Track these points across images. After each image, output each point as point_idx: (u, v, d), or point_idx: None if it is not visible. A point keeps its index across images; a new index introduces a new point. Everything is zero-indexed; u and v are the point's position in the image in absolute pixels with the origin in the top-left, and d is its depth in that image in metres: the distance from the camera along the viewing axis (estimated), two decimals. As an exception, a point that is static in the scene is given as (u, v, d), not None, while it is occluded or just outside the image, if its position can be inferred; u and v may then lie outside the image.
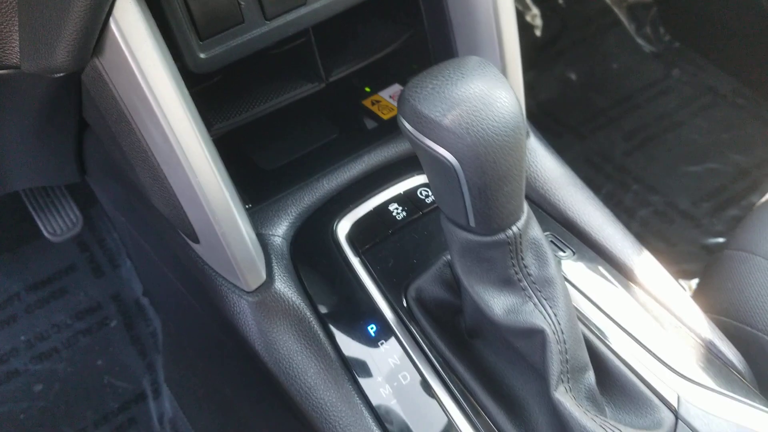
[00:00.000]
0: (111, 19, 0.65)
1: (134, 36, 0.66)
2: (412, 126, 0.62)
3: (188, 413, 1.40)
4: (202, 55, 0.75)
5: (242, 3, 0.75)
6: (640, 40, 2.04)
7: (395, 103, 0.99)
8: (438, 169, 0.64)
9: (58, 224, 1.55)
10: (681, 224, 1.69)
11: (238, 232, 0.78)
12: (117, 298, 1.64)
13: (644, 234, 1.65)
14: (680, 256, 1.62)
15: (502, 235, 0.66)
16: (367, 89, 1.02)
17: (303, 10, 0.80)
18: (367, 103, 1.00)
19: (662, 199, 1.74)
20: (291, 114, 0.97)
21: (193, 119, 0.72)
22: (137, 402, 1.51)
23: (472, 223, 0.66)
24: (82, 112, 0.87)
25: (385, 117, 0.98)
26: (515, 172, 0.64)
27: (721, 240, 1.63)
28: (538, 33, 2.04)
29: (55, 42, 0.65)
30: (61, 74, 0.69)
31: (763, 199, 1.03)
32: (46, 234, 1.54)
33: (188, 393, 1.40)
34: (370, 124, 0.98)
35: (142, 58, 0.67)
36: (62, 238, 1.54)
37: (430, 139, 0.61)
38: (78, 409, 1.51)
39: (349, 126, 0.98)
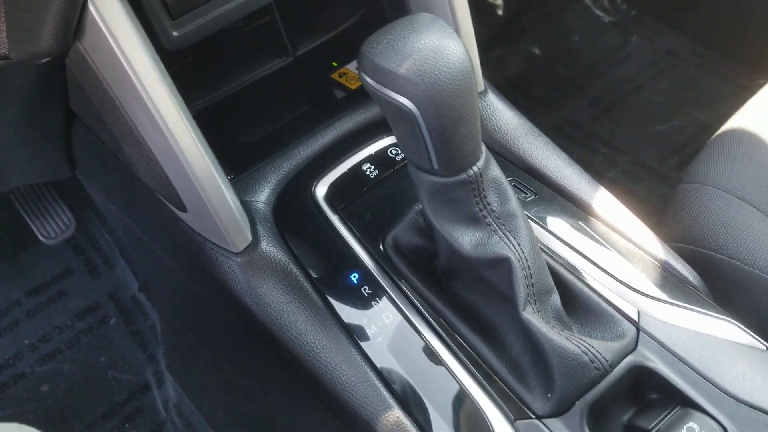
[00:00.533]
0: (89, 2, 0.71)
1: (111, 16, 0.72)
2: (372, 79, 0.69)
3: (192, 396, 1.46)
4: (174, 33, 0.81)
5: (208, -18, 0.81)
6: (598, 12, 2.12)
7: (361, 74, 1.05)
8: (400, 117, 0.70)
9: (52, 227, 1.60)
10: (649, 181, 1.77)
11: (222, 196, 0.84)
12: (114, 296, 1.70)
13: (614, 193, 1.72)
14: (650, 212, 1.69)
15: (464, 175, 0.72)
16: (334, 64, 1.08)
17: (265, -15, 0.86)
18: (335, 76, 1.07)
19: (630, 159, 1.82)
20: (264, 90, 1.03)
21: (173, 93, 0.78)
22: (142, 392, 1.57)
23: (436, 166, 0.72)
24: (68, 102, 0.93)
25: (353, 87, 1.05)
26: (469, 114, 0.70)
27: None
28: (500, 12, 2.11)
29: (40, 27, 0.71)
30: (48, 59, 0.75)
31: (713, 137, 1.10)
32: (41, 238, 1.59)
33: (190, 377, 1.46)
34: (339, 94, 1.05)
35: (121, 37, 0.73)
36: (57, 241, 1.60)
37: (389, 88, 0.68)
38: (85, 405, 1.56)
39: (319, 98, 1.05)
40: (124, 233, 1.28)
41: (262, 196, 0.94)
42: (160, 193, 0.88)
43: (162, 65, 0.78)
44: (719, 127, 1.09)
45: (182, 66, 0.90)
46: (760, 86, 1.17)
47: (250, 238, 0.88)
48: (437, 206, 0.76)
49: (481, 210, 0.75)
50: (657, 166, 1.79)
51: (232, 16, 0.83)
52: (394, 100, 0.68)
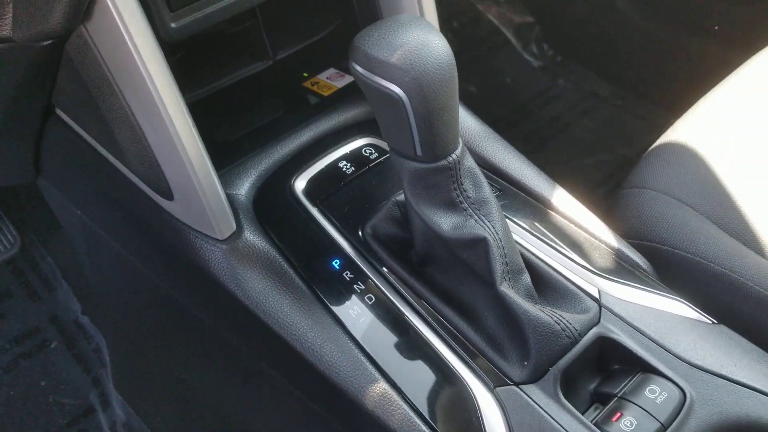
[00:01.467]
0: (101, -15, 0.75)
1: (121, 1, 0.76)
2: (363, 68, 0.75)
3: (142, 413, 1.43)
4: (173, 25, 0.85)
5: (207, -22, 0.86)
6: (527, 56, 2.28)
7: (333, 83, 1.12)
8: (388, 105, 0.76)
9: (-4, 245, 1.56)
10: (581, 208, 1.89)
11: (212, 182, 0.88)
12: (55, 320, 1.66)
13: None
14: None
15: (444, 162, 0.79)
16: (305, 74, 1.14)
17: (260, -16, 0.92)
18: (307, 84, 1.13)
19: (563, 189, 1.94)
20: (241, 95, 1.08)
21: (172, 79, 0.82)
22: (86, 416, 1.52)
23: (419, 152, 0.79)
24: (50, 96, 0.95)
25: (326, 94, 1.11)
26: (452, 102, 0.78)
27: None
28: (437, 54, 2.23)
29: (51, 7, 0.74)
30: (50, 41, 0.78)
31: (648, 150, 1.22)
32: (-17, 255, 1.55)
33: (142, 392, 1.43)
34: (313, 100, 1.11)
35: (129, 21, 0.77)
36: (1, 259, 1.56)
37: (380, 76, 0.74)
38: (25, 429, 1.50)
39: (295, 102, 1.10)
40: (84, 242, 1.27)
41: (243, 190, 0.97)
42: (146, 181, 0.91)
43: (162, 53, 0.82)
44: (638, 160, 1.23)
45: (169, 62, 0.94)
46: (671, 124, 1.28)
47: (234, 227, 0.91)
48: (418, 192, 0.82)
49: (458, 196, 0.81)
50: (588, 196, 1.93)
51: (226, 13, 0.88)
52: (385, 87, 0.74)
